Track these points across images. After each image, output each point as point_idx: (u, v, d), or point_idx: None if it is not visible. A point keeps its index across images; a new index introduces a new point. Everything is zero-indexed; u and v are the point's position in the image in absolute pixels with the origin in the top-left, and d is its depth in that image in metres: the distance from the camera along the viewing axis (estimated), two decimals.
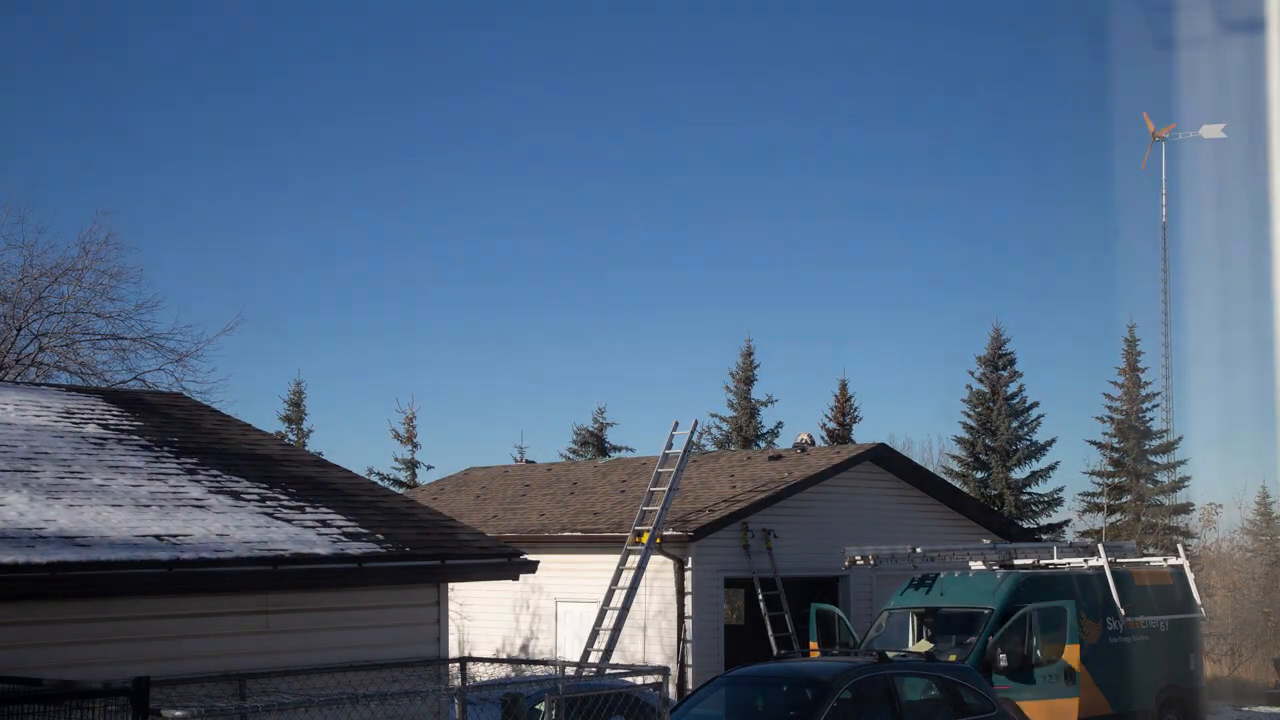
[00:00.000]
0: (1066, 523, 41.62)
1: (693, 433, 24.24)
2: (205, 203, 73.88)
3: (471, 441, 75.39)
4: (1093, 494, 42.34)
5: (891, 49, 77.93)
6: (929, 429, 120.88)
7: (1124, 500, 41.96)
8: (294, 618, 11.64)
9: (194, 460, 13.69)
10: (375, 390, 77.01)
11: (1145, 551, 29.25)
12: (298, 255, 77.07)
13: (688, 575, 23.32)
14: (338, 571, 11.57)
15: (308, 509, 12.79)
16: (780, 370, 77.33)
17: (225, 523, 11.72)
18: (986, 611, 18.89)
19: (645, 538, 22.58)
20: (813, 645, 20.34)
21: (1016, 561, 21.30)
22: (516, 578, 13.65)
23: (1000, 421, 39.98)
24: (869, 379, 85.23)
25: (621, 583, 22.37)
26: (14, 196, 53.85)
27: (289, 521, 12.21)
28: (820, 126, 77.56)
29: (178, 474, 13.06)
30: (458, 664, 12.66)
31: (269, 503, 12.73)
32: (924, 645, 18.84)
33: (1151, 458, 42.09)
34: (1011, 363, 40.67)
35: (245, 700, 10.69)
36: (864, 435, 43.71)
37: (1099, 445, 42.27)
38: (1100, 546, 21.40)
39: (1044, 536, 37.32)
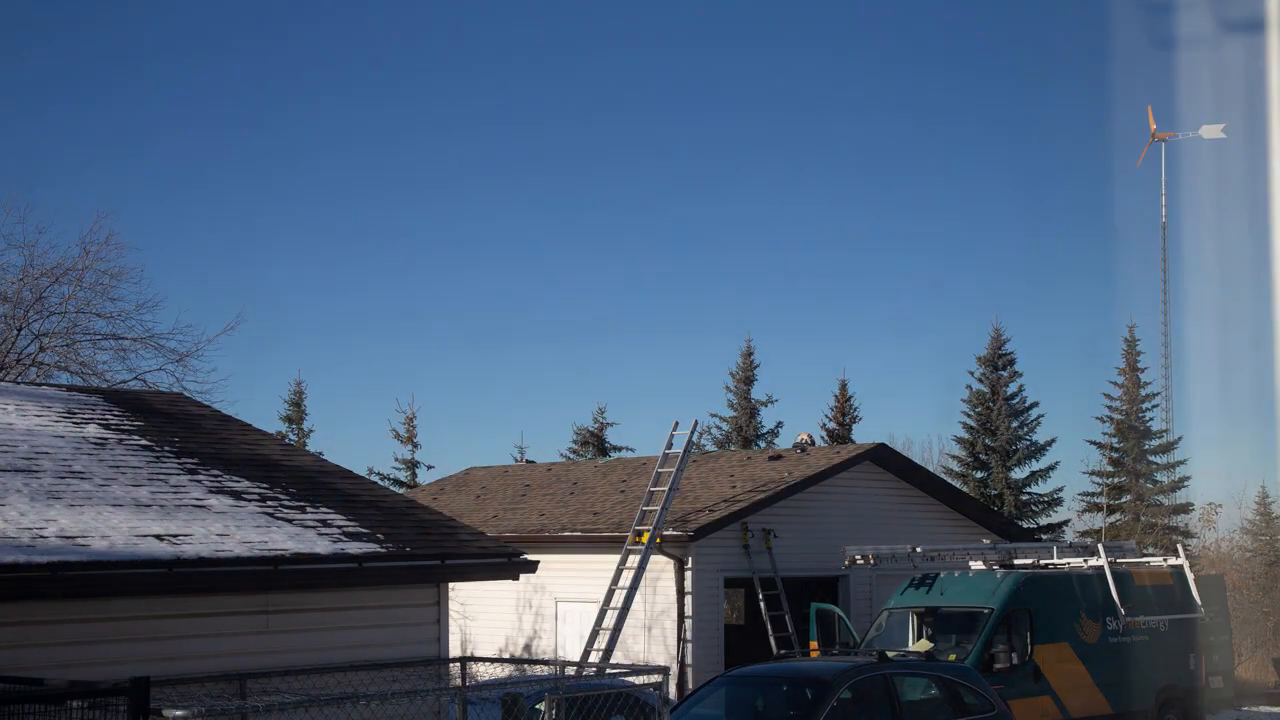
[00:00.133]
0: (1066, 523, 41.67)
1: (693, 433, 24.25)
2: (205, 203, 73.92)
3: (471, 441, 75.47)
4: (1092, 494, 42.35)
5: (891, 49, 77.97)
6: (929, 429, 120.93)
7: (1124, 500, 41.95)
8: (294, 618, 11.65)
9: (194, 460, 13.69)
10: (375, 390, 77.08)
11: (1145, 551, 29.25)
12: (298, 255, 77.14)
13: (688, 575, 23.32)
14: (338, 571, 11.58)
15: (308, 509, 12.80)
16: (780, 370, 77.41)
17: (226, 523, 11.72)
18: (986, 611, 18.90)
19: (645, 538, 22.58)
20: (813, 645, 20.36)
21: (1016, 561, 21.30)
22: (516, 578, 13.66)
23: (1000, 421, 39.99)
24: (869, 379, 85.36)
25: (621, 582, 22.37)
26: (14, 196, 53.80)
27: (289, 521, 12.21)
28: (819, 124, 77.62)
29: (178, 474, 13.06)
30: (458, 664, 12.67)
31: (269, 503, 12.73)
32: (924, 645, 18.84)
33: (1151, 458, 42.08)
34: (1011, 363, 40.68)
35: (245, 700, 10.70)
36: (864, 435, 43.77)
37: (1099, 445, 42.28)
38: (1100, 546, 21.41)
39: (1044, 536, 37.33)
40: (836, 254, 79.13)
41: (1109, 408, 42.40)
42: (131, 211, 70.37)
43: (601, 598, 22.51)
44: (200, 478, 13.09)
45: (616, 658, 22.02)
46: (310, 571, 11.38)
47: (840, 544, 21.48)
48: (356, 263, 78.12)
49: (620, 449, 43.02)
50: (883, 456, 27.20)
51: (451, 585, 13.26)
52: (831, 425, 42.80)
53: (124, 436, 14.05)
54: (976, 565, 21.27)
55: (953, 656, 17.76)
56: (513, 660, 14.88)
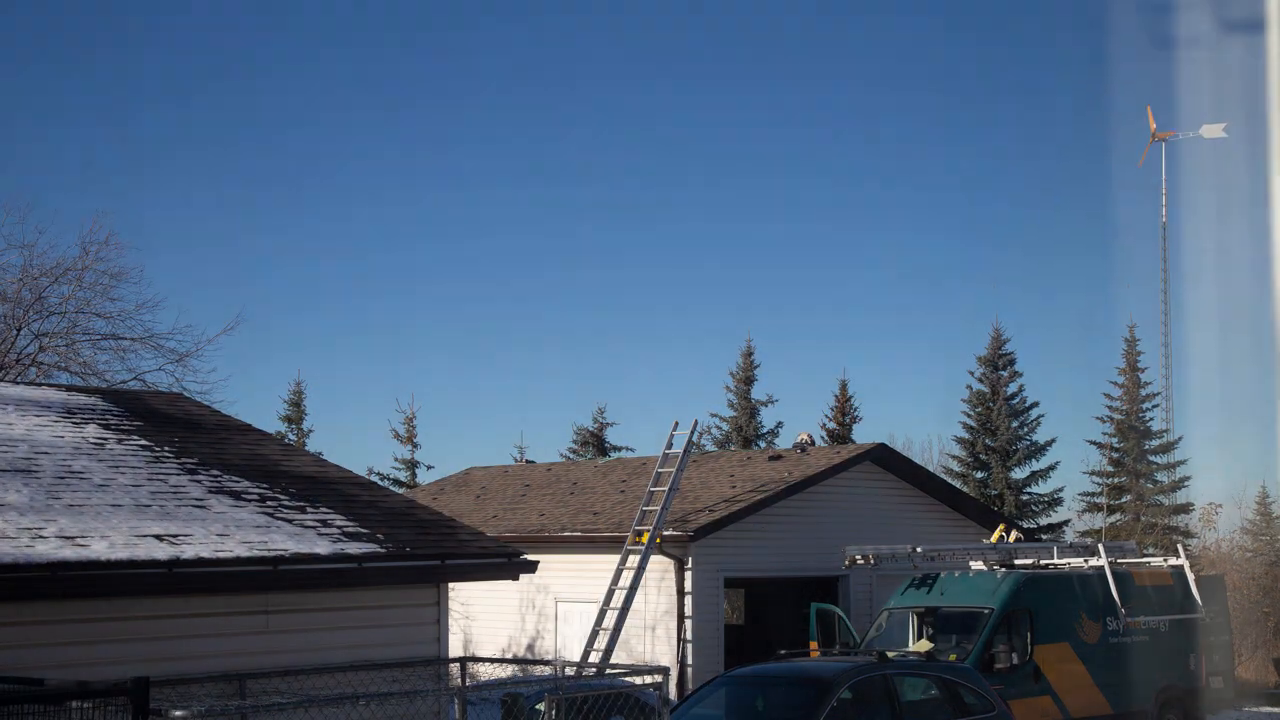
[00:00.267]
0: (1066, 523, 41.70)
1: (693, 433, 24.25)
2: (205, 203, 73.92)
3: (471, 441, 75.47)
4: (1093, 494, 42.37)
5: (891, 50, 77.97)
6: (929, 429, 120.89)
7: (1124, 500, 41.96)
8: (294, 618, 11.64)
9: (194, 460, 13.69)
10: (375, 390, 77.13)
11: (1145, 551, 29.26)
12: (297, 255, 77.14)
13: (687, 575, 23.32)
14: (338, 571, 11.56)
15: (308, 509, 12.79)
16: (780, 370, 77.47)
17: (225, 523, 11.72)
18: (987, 611, 18.90)
19: (645, 538, 22.58)
20: (813, 645, 20.36)
21: (1017, 561, 21.30)
22: (516, 578, 13.65)
23: (1000, 421, 39.99)
24: (869, 379, 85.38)
25: (621, 583, 22.37)
26: (14, 196, 53.85)
27: (289, 521, 12.21)
28: (820, 127, 77.65)
29: (178, 474, 13.05)
30: (458, 664, 12.66)
31: (269, 503, 12.73)
32: (924, 645, 18.84)
33: (1151, 458, 42.09)
34: (1011, 363, 40.70)
35: (245, 700, 10.69)
36: (864, 435, 43.77)
37: (1099, 445, 42.29)
38: (1100, 546, 21.41)
39: (1044, 536, 37.33)
40: (837, 254, 79.19)
41: (1109, 408, 42.47)
42: (132, 211, 70.43)
43: (601, 598, 22.51)
44: (200, 478, 13.08)
45: (618, 658, 22.01)
46: (310, 572, 11.37)
47: (840, 544, 21.48)
48: (356, 263, 78.20)
49: (620, 449, 43.08)
50: (883, 457, 27.20)
51: (452, 585, 13.25)
52: (831, 425, 42.82)
53: (123, 437, 14.05)
54: (977, 565, 21.27)
55: (953, 656, 17.76)
56: (513, 660, 14.88)
